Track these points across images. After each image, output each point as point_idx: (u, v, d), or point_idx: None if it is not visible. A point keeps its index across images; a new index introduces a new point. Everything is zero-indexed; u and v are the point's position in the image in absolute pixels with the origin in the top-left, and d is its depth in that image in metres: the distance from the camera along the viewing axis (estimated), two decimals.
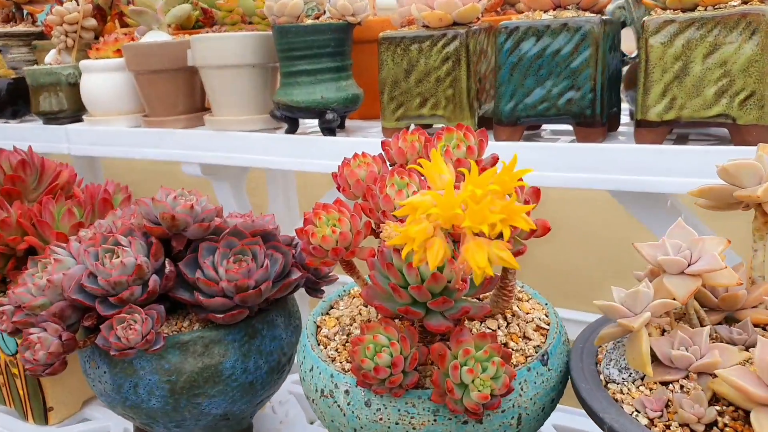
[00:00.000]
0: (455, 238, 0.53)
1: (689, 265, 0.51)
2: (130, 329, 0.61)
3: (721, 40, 0.67)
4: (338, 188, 0.62)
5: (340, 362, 0.57)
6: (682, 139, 0.81)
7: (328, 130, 0.93)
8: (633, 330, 0.49)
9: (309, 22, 0.90)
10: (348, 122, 1.06)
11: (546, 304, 0.63)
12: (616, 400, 0.49)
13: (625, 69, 0.90)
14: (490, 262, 0.37)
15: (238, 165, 1.00)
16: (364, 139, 0.89)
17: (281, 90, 0.93)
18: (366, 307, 0.65)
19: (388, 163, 0.61)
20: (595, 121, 0.76)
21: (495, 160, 0.56)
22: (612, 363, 0.52)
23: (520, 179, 0.38)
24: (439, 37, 0.82)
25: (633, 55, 0.90)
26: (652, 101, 0.72)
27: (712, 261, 0.50)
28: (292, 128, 0.97)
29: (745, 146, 0.69)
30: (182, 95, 1.08)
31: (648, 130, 0.73)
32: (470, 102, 0.83)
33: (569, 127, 0.97)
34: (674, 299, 0.50)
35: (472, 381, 0.47)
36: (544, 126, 0.97)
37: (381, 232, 0.50)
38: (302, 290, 0.76)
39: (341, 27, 0.90)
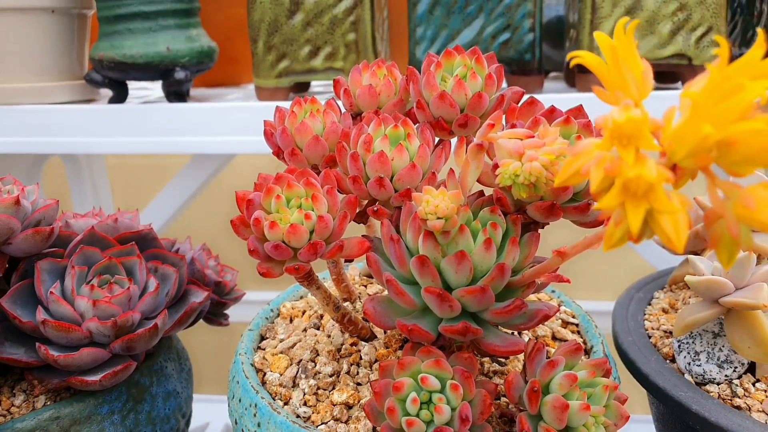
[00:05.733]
0: (510, 212, 0.36)
1: None
2: None
3: None
4: (276, 153, 0.40)
5: (324, 422, 0.36)
6: None
7: (177, 95, 0.68)
8: (755, 308, 0.36)
9: None
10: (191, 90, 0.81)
11: (552, 291, 0.49)
12: (739, 408, 0.36)
13: None
14: None
15: (39, 153, 0.70)
16: (239, 104, 0.65)
17: (104, 42, 0.66)
18: (318, 329, 0.44)
19: (345, 112, 0.41)
20: (533, 68, 0.64)
21: (520, 95, 0.39)
22: (702, 357, 0.39)
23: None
24: None
25: None
26: None
27: None
28: (120, 96, 0.70)
29: None
30: None
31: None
32: (377, 50, 0.65)
33: None
34: None
35: (584, 422, 0.31)
36: None
37: (420, 207, 0.31)
38: None
39: None
